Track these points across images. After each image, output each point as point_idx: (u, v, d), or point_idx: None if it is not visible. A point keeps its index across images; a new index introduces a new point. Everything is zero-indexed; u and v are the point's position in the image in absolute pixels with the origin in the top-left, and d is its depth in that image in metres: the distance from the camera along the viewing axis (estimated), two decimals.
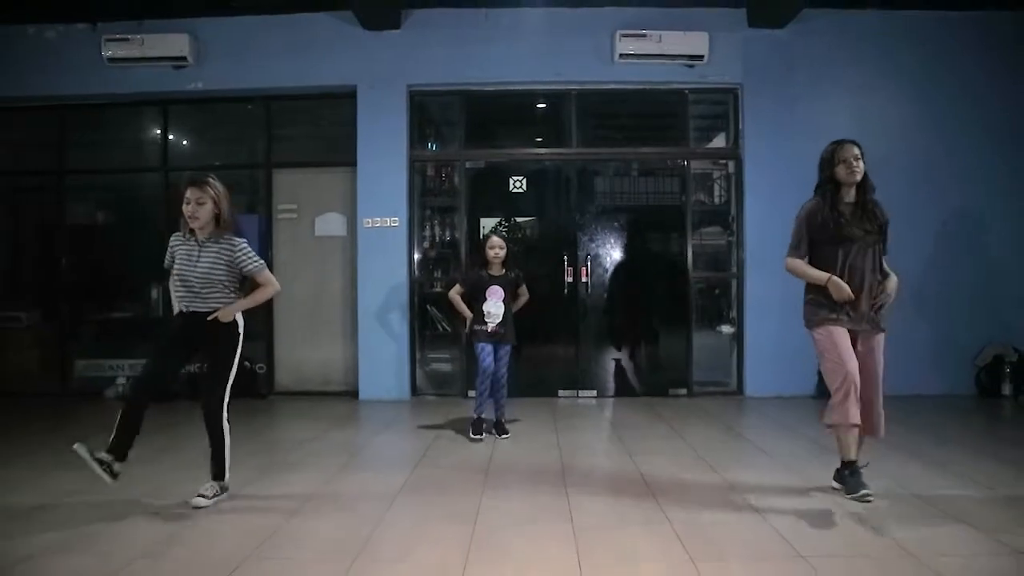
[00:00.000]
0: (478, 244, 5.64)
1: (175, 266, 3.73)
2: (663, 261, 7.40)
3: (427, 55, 7.02)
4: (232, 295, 3.75)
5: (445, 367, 7.27)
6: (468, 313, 5.32)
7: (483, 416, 5.27)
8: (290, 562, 2.89)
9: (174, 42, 6.95)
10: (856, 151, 3.58)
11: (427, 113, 7.48)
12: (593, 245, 7.25)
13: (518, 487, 3.96)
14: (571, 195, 7.31)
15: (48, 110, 7.46)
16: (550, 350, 7.28)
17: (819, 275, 3.59)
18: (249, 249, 3.74)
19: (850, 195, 3.63)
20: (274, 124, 7.42)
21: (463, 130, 7.32)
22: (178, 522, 3.39)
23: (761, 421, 6.01)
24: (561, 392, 7.10)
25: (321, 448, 4.98)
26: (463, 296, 5.40)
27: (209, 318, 3.65)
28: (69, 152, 7.58)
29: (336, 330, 7.35)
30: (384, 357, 7.02)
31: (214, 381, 3.71)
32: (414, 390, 7.14)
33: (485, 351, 5.23)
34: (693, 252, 7.17)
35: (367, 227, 7.05)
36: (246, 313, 3.79)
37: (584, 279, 7.16)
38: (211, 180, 3.68)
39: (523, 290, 5.45)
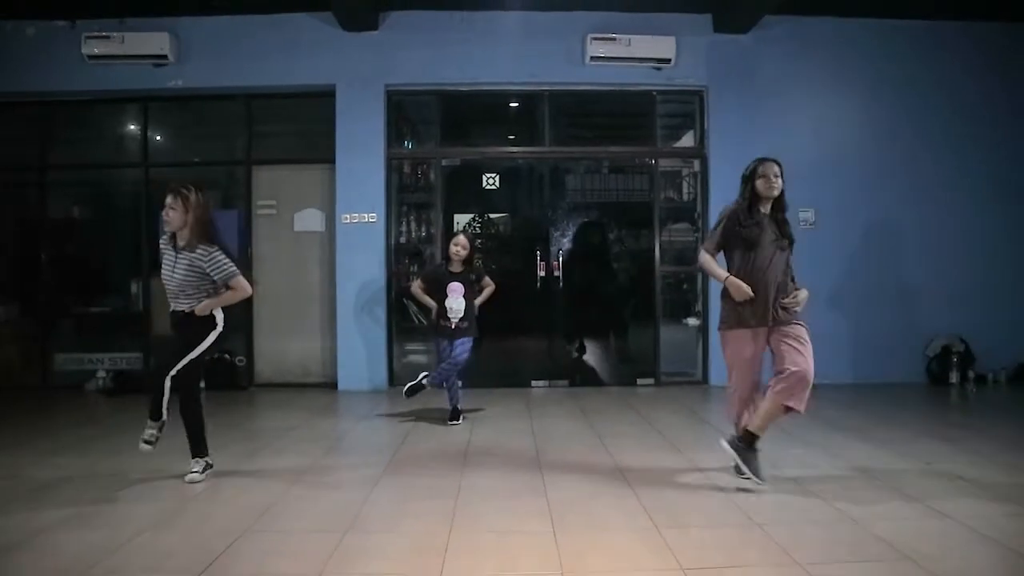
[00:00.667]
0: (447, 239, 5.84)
1: (162, 268, 3.95)
2: (632, 256, 7.70)
3: (404, 56, 7.22)
4: (206, 296, 3.94)
5: (421, 358, 7.47)
6: (432, 303, 5.55)
7: (458, 406, 5.56)
8: (286, 534, 3.12)
9: (155, 40, 7.05)
10: (776, 169, 3.83)
11: (404, 112, 7.67)
12: (565, 240, 7.53)
13: (496, 468, 4.21)
14: (544, 192, 7.58)
15: (28, 106, 7.52)
16: (523, 342, 7.54)
17: (720, 274, 3.87)
18: (221, 257, 3.89)
19: (766, 207, 3.87)
20: (254, 121, 7.55)
21: (439, 129, 7.54)
22: (176, 499, 3.61)
23: (724, 408, 6.32)
24: (534, 382, 7.37)
25: (305, 435, 5.19)
26: (425, 290, 5.64)
27: (186, 310, 3.88)
28: (49, 148, 7.64)
29: (315, 323, 7.52)
30: (362, 349, 7.22)
31: (174, 352, 3.89)
32: (391, 381, 7.33)
33: (445, 352, 5.52)
34: (661, 247, 7.47)
35: (345, 223, 7.23)
36: (226, 308, 4.01)
37: (556, 273, 7.43)
38: (188, 190, 3.87)
39: (486, 281, 5.67)
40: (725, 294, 3.88)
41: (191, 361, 3.89)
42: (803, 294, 3.81)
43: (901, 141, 7.39)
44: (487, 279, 5.69)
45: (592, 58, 7.11)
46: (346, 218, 7.23)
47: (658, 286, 7.48)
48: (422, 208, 7.60)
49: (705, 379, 7.40)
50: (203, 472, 3.92)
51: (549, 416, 5.87)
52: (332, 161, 7.29)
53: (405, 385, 5.59)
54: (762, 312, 3.77)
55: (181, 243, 3.88)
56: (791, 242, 3.89)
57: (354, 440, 5.21)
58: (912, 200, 7.39)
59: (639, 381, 7.42)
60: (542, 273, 7.43)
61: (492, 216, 7.85)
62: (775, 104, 7.33)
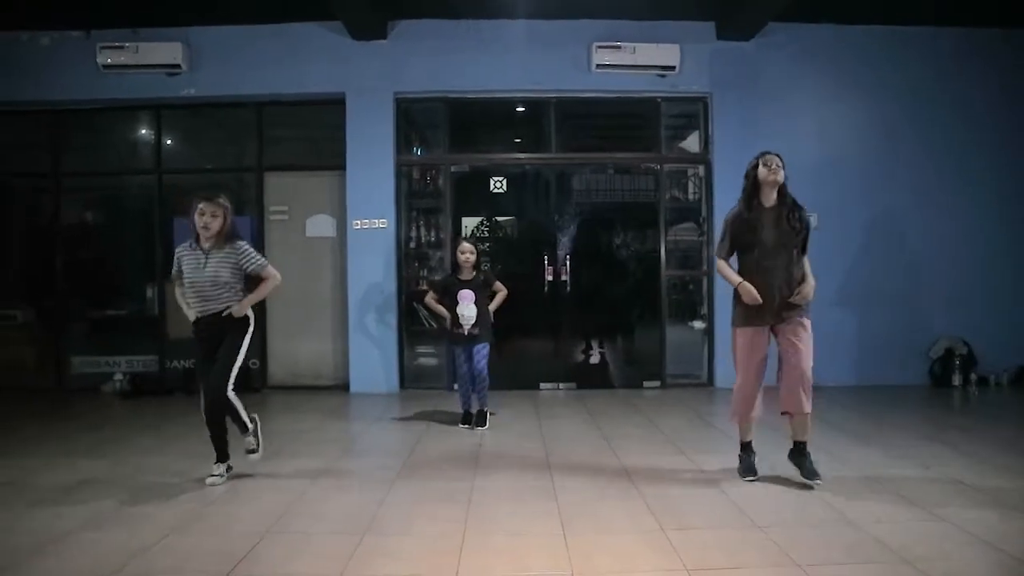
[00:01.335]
0: (452, 252, 5.90)
1: (184, 274, 4.06)
2: (638, 260, 7.80)
3: (413, 64, 7.35)
4: (240, 294, 4.11)
5: (431, 361, 7.61)
6: (445, 313, 5.67)
7: (470, 410, 5.69)
8: (306, 536, 3.24)
9: (168, 50, 7.21)
10: (777, 159, 3.95)
11: (413, 119, 7.79)
12: (571, 245, 7.64)
13: (507, 470, 4.33)
14: (550, 198, 7.69)
15: (44, 114, 7.67)
16: (531, 345, 7.66)
17: (733, 279, 3.99)
18: (252, 250, 4.14)
19: (770, 199, 3.97)
20: (265, 128, 7.69)
21: (447, 135, 7.66)
22: (198, 502, 3.74)
23: (728, 410, 6.42)
24: (542, 385, 7.49)
25: (320, 438, 5.32)
26: (438, 300, 5.76)
27: (223, 314, 4.00)
28: (65, 155, 7.79)
29: (327, 327, 7.66)
30: (373, 352, 7.36)
31: (222, 366, 4.03)
32: (402, 383, 7.48)
33: (460, 359, 5.64)
34: (666, 251, 7.59)
35: (356, 228, 7.37)
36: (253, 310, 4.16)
37: (563, 277, 7.55)
38: (223, 198, 4.06)
39: (497, 286, 5.75)
40: (736, 293, 4.01)
41: (235, 359, 4.06)
42: (808, 287, 3.90)
43: (903, 145, 7.48)
44: (498, 284, 5.77)
45: (598, 66, 7.23)
46: (357, 223, 7.36)
47: (664, 289, 7.59)
48: (431, 213, 7.72)
49: (711, 381, 7.52)
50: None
51: (557, 418, 5.99)
52: (342, 167, 7.42)
53: (477, 423, 5.64)
54: (768, 310, 3.90)
55: (206, 245, 4.02)
56: (805, 231, 3.96)
57: (368, 443, 5.34)
58: (914, 203, 7.49)
59: (645, 383, 7.54)
60: (549, 277, 7.55)
61: (500, 221, 7.96)
62: (778, 109, 7.43)
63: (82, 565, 2.92)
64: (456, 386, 5.79)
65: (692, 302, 7.75)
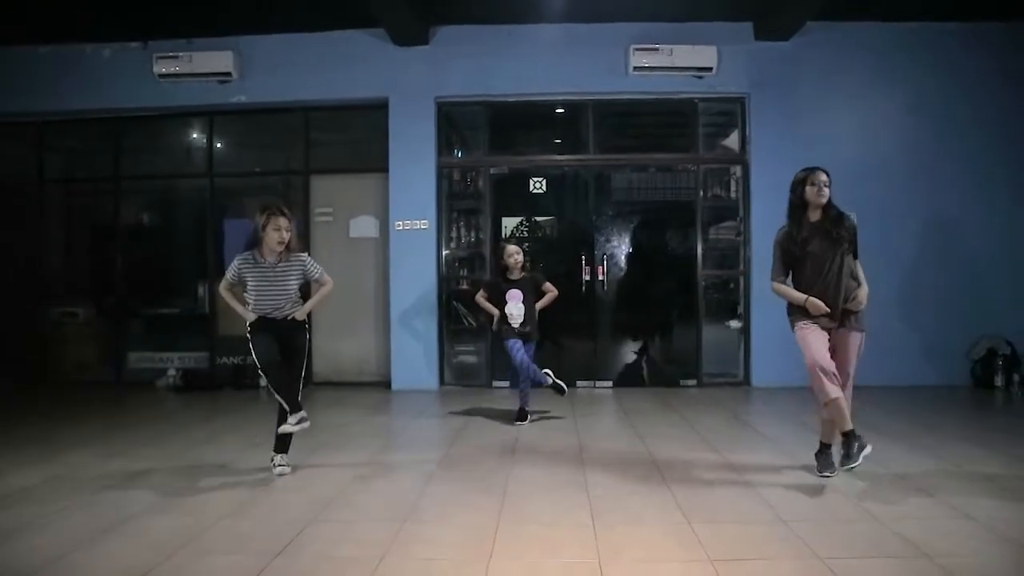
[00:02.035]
0: (498, 254, 6.03)
1: (251, 286, 4.23)
2: (675, 260, 7.87)
3: (454, 69, 7.55)
4: (300, 301, 4.36)
5: (471, 359, 7.80)
6: (495, 311, 5.81)
7: (527, 407, 5.81)
8: (349, 524, 3.44)
9: (219, 59, 7.54)
10: (824, 178, 4.04)
11: (453, 122, 8.00)
12: (609, 245, 7.76)
13: (541, 464, 4.48)
14: (588, 198, 7.82)
15: (104, 122, 8.09)
16: (569, 343, 7.78)
17: (799, 297, 4.04)
18: (313, 260, 4.43)
19: (816, 215, 4.08)
20: (311, 133, 7.98)
21: (487, 138, 7.86)
22: (251, 489, 3.98)
23: (764, 409, 6.51)
24: (579, 382, 7.61)
25: (363, 431, 5.55)
26: (488, 299, 5.92)
27: (289, 317, 4.26)
28: (122, 160, 8.19)
29: (369, 325, 7.91)
30: (414, 350, 7.57)
31: (300, 372, 4.31)
32: (442, 380, 7.69)
33: (515, 347, 5.70)
34: (703, 251, 7.65)
35: (398, 229, 7.59)
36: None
37: (601, 277, 7.67)
38: (289, 212, 4.28)
39: (547, 287, 5.88)
40: (789, 304, 4.11)
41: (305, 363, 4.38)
42: (862, 292, 3.99)
43: (945, 144, 7.41)
44: (548, 284, 5.88)
45: (635, 68, 7.32)
46: (399, 224, 7.59)
47: (700, 288, 7.65)
48: (471, 214, 7.91)
49: (747, 380, 7.56)
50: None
51: (593, 415, 6.13)
52: (385, 170, 7.65)
53: (556, 385, 5.79)
54: (831, 318, 3.99)
55: (272, 259, 4.22)
56: (852, 235, 4.04)
57: (409, 436, 5.55)
58: (958, 204, 7.43)
59: (682, 382, 7.62)
60: (587, 276, 7.67)
61: (539, 222, 8.10)
62: (816, 109, 7.45)
63: (146, 544, 3.15)
64: (516, 383, 5.94)
65: (729, 301, 7.80)
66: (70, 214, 8.67)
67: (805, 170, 4.12)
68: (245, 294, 4.29)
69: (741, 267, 7.65)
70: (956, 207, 7.42)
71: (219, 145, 8.24)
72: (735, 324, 7.74)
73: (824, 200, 4.04)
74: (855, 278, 4.07)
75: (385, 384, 7.66)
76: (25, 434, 5.47)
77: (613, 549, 3.05)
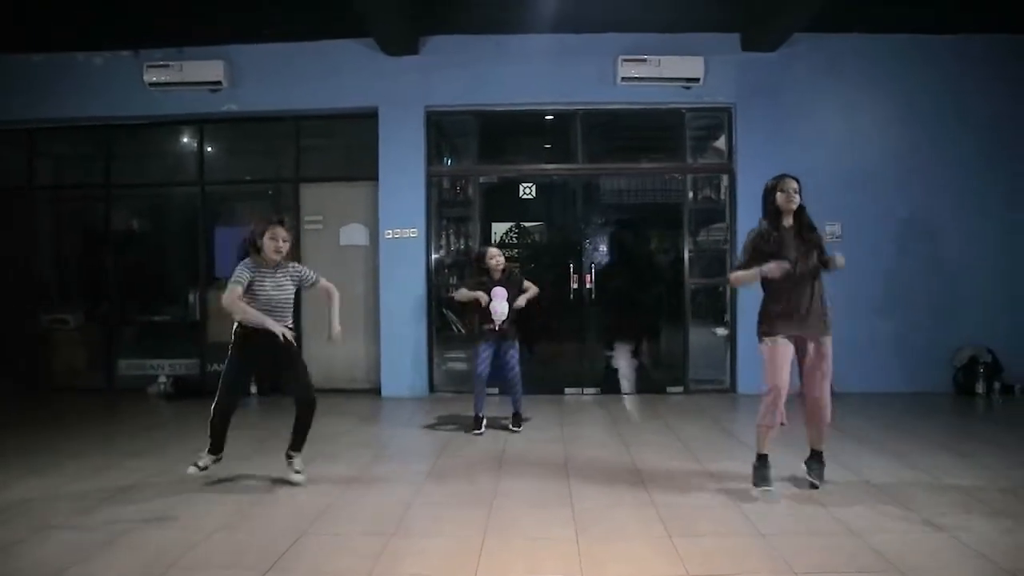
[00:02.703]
0: (476, 259, 6.05)
1: (258, 293, 4.30)
2: (662, 268, 7.99)
3: (443, 78, 7.60)
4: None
5: (460, 366, 7.87)
6: (486, 297, 5.74)
7: (482, 414, 5.88)
8: (340, 536, 3.51)
9: (210, 68, 7.57)
10: (795, 185, 4.15)
11: (443, 131, 8.06)
12: (597, 254, 7.85)
13: (528, 476, 4.56)
14: (577, 207, 7.91)
15: (95, 130, 8.10)
16: (557, 350, 7.88)
17: (753, 272, 4.13)
18: (306, 267, 4.60)
19: (788, 221, 4.18)
20: (302, 141, 8.02)
21: (477, 147, 7.93)
22: (243, 502, 4.05)
23: (749, 417, 6.45)
24: (567, 390, 7.70)
25: (354, 440, 5.63)
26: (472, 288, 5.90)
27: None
28: (113, 168, 8.20)
29: (360, 332, 7.95)
30: (404, 357, 7.64)
31: (308, 377, 4.51)
32: (432, 387, 7.75)
33: (482, 356, 5.80)
34: (690, 260, 7.74)
35: (388, 237, 7.65)
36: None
37: (588, 285, 7.75)
38: (288, 224, 4.41)
39: (527, 285, 5.95)
40: (765, 306, 4.20)
41: None
42: (839, 257, 4.06)
43: (928, 155, 7.53)
44: (528, 283, 5.95)
45: (623, 78, 7.40)
46: (389, 233, 7.65)
47: (688, 296, 7.75)
48: (461, 223, 7.98)
49: (733, 387, 7.65)
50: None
51: (579, 424, 6.21)
52: (375, 178, 7.71)
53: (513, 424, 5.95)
54: (796, 322, 4.09)
55: (271, 268, 4.33)
56: (820, 249, 4.16)
57: (399, 446, 5.63)
58: (940, 213, 7.55)
59: (669, 389, 7.71)
60: (575, 285, 7.75)
61: (527, 230, 8.18)
62: (802, 120, 7.55)
63: (144, 559, 3.22)
64: (506, 391, 5.99)
65: (716, 309, 7.90)
66: (61, 221, 8.69)
67: (775, 178, 4.24)
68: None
69: (728, 275, 7.74)
70: (939, 217, 7.54)
71: (210, 153, 8.26)
72: (722, 331, 7.83)
73: (794, 206, 4.15)
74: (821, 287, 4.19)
75: (375, 391, 7.72)
76: (18, 445, 5.50)
77: (596, 563, 3.14)
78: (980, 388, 7.33)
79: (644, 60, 7.38)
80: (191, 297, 8.20)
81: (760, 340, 4.21)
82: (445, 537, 3.49)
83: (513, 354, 5.88)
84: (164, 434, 5.94)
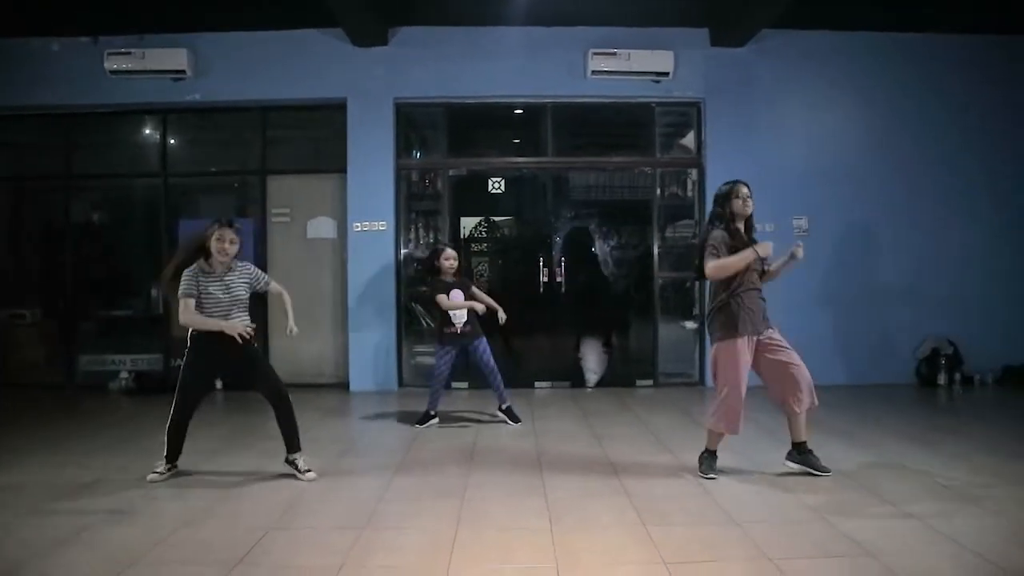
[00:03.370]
0: (431, 257, 5.95)
1: (204, 297, 4.20)
2: (632, 261, 8.01)
3: (413, 70, 7.54)
4: (247, 308, 4.36)
5: (429, 360, 7.72)
6: (480, 306, 5.74)
7: (432, 411, 5.85)
8: (310, 530, 3.44)
9: (173, 56, 7.41)
10: (747, 191, 4.18)
11: (413, 124, 7.99)
12: (567, 247, 7.83)
13: (499, 468, 4.52)
14: (547, 201, 7.89)
15: (53, 118, 7.88)
16: (527, 344, 7.86)
17: (743, 254, 4.09)
18: (257, 268, 4.49)
19: (740, 226, 4.21)
20: (268, 133, 7.89)
21: (446, 140, 7.88)
22: (209, 497, 3.94)
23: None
24: (537, 383, 7.69)
25: (322, 435, 5.51)
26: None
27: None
28: (73, 158, 8.00)
29: (327, 326, 7.86)
30: (373, 351, 7.56)
31: (274, 373, 4.47)
32: (401, 382, 7.68)
33: (444, 359, 5.79)
34: (659, 254, 7.78)
35: (356, 230, 7.56)
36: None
37: (559, 279, 7.74)
38: (239, 226, 4.31)
39: (475, 290, 5.94)
40: (720, 309, 4.19)
41: None
42: (799, 248, 4.15)
43: (894, 150, 7.67)
44: (475, 290, 5.95)
45: (593, 72, 7.40)
46: (357, 226, 7.56)
47: (657, 290, 7.78)
48: (430, 216, 7.92)
49: (702, 380, 7.71)
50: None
51: (551, 417, 6.18)
52: (343, 171, 7.61)
53: (511, 419, 5.88)
54: (758, 319, 4.13)
55: (220, 269, 4.24)
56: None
57: (368, 440, 5.55)
58: (903, 206, 7.68)
59: (638, 382, 7.74)
60: (545, 278, 7.74)
61: (497, 224, 8.15)
62: (771, 115, 7.62)
63: (105, 556, 3.11)
64: (489, 384, 5.92)
65: (684, 303, 7.94)
66: (18, 212, 8.41)
67: (729, 184, 4.24)
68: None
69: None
70: (904, 211, 7.67)
71: (173, 144, 8.08)
72: (691, 325, 7.88)
73: (750, 211, 4.20)
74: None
75: (343, 386, 7.63)
76: None
77: (570, 553, 3.11)
78: (942, 379, 7.49)
79: (614, 54, 7.39)
80: (154, 291, 8.01)
81: (720, 340, 4.21)
82: (417, 530, 3.44)
83: (484, 349, 5.82)
84: (125, 431, 5.79)
